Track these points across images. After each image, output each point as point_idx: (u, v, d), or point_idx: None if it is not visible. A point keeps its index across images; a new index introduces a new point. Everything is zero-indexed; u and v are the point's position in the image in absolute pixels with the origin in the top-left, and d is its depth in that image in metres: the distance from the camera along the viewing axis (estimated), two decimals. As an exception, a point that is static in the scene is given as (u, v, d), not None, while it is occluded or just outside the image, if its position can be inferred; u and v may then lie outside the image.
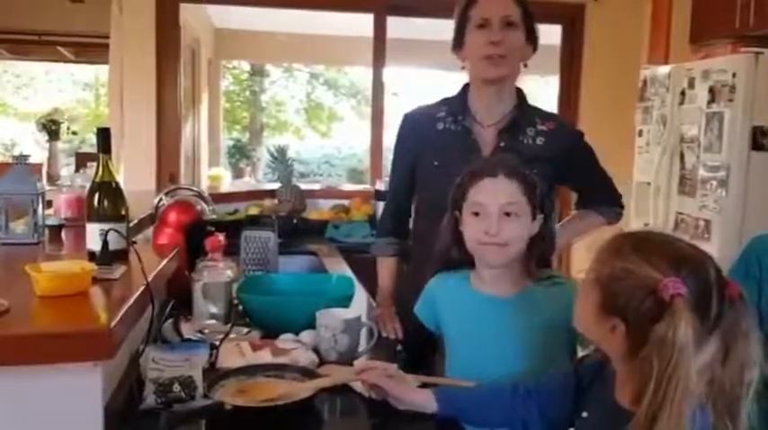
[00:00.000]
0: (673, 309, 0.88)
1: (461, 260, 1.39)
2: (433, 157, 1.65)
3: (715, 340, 0.92)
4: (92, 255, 1.39)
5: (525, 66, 1.63)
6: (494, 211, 1.29)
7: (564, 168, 1.63)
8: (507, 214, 1.29)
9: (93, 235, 1.40)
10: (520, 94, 1.68)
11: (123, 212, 1.45)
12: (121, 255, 1.42)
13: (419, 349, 1.55)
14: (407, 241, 1.80)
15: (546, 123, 1.64)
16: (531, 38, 1.61)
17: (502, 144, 1.61)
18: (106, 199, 1.43)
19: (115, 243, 1.40)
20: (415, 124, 1.73)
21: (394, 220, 1.81)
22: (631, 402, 0.93)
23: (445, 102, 1.70)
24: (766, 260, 1.40)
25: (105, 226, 1.39)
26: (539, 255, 1.35)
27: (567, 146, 1.65)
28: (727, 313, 0.92)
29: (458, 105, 1.67)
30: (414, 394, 1.22)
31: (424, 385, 1.27)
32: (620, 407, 0.99)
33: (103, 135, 1.44)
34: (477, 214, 1.31)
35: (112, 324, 1.05)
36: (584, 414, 1.08)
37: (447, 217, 1.38)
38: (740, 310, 0.93)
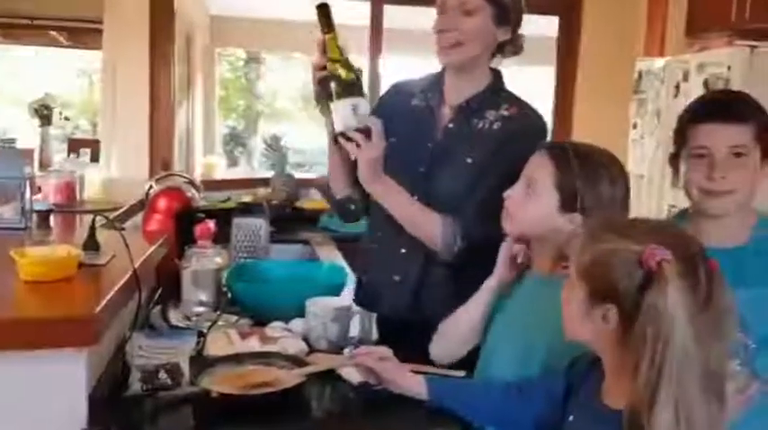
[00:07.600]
0: (660, 275, 0.86)
1: None
2: (392, 131, 1.51)
3: (708, 317, 0.88)
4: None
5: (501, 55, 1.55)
6: None
7: None
8: None
9: (346, 111, 1.41)
10: (496, 75, 1.58)
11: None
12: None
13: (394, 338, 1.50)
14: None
15: (510, 109, 1.54)
16: (505, 18, 1.50)
17: (450, 125, 1.55)
18: (343, 70, 1.40)
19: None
20: (395, 95, 1.67)
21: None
22: (630, 393, 0.88)
23: (427, 78, 1.63)
24: None
25: (354, 101, 1.39)
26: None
27: (515, 130, 1.50)
28: (715, 289, 0.89)
29: (433, 83, 1.60)
30: (407, 379, 1.22)
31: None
32: (605, 409, 0.97)
33: (323, 12, 1.39)
34: None
35: (97, 310, 1.05)
36: (571, 417, 1.06)
37: None
38: (723, 285, 0.90)
